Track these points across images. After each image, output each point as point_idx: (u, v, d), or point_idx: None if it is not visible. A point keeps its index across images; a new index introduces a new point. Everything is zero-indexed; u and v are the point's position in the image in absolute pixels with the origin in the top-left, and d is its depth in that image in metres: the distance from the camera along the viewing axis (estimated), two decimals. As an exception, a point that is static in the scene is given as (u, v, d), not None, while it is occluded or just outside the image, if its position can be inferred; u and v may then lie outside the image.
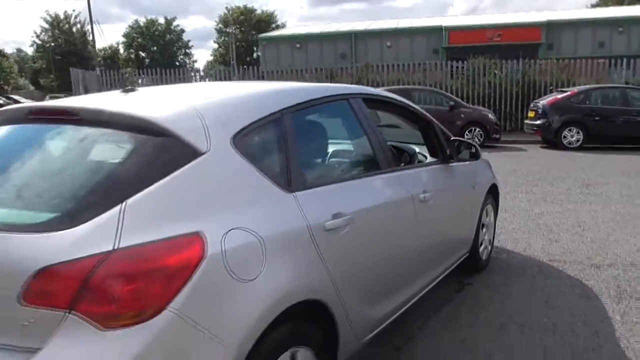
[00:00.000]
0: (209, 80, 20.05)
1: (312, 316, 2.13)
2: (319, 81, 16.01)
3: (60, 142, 2.03)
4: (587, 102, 13.25)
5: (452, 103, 14.20)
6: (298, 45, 36.73)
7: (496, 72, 17.16)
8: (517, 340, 3.19)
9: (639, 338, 3.18)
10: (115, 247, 1.55)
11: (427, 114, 3.66)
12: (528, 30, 34.18)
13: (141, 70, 21.66)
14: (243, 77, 19.01)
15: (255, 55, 58.70)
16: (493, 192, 4.51)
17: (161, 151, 1.81)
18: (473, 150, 3.88)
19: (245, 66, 20.90)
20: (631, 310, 3.58)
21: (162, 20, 65.67)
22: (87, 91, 18.98)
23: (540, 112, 13.58)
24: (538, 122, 13.53)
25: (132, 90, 2.34)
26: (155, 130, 1.84)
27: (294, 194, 2.13)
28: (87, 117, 1.97)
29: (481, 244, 4.29)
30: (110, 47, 63.18)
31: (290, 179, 2.16)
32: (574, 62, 17.57)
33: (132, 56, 63.62)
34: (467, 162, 3.91)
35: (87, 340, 1.52)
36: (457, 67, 17.72)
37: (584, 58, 19.16)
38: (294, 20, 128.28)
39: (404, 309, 2.98)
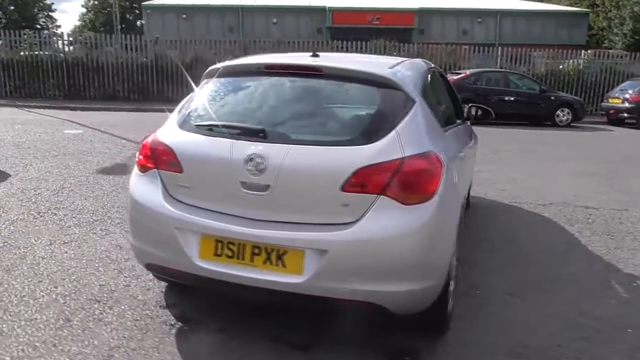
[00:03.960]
0: (79, 46, 19.41)
1: None
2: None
3: (324, 89, 2.80)
4: (478, 83, 15.37)
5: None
6: (184, 16, 35.95)
7: (395, 54, 18.81)
8: (509, 250, 4.47)
9: (597, 244, 4.62)
10: (404, 156, 2.44)
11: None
12: (403, 15, 36.94)
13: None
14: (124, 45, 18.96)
15: (138, 23, 55.70)
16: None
17: (400, 99, 2.69)
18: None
19: (125, 34, 20.40)
20: (583, 230, 5.04)
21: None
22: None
23: (438, 91, 15.42)
24: (437, 99, 15.37)
25: (317, 55, 3.13)
26: (392, 85, 2.71)
27: (445, 131, 3.12)
28: (330, 73, 2.77)
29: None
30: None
31: (440, 121, 3.13)
32: (458, 47, 19.79)
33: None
34: (468, 122, 5.10)
35: (393, 213, 2.39)
36: (359, 48, 19.10)
37: (451, 44, 21.57)
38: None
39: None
